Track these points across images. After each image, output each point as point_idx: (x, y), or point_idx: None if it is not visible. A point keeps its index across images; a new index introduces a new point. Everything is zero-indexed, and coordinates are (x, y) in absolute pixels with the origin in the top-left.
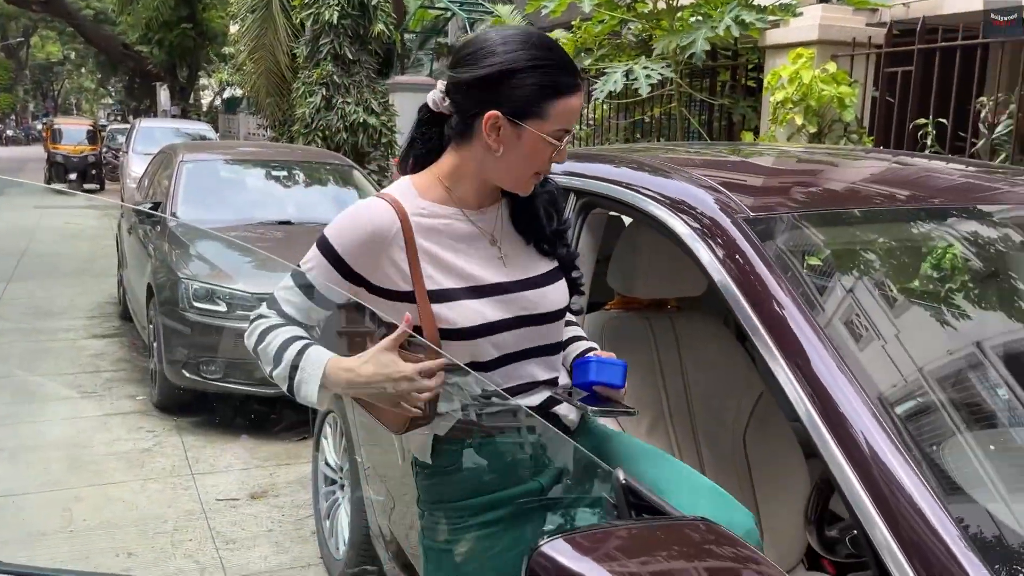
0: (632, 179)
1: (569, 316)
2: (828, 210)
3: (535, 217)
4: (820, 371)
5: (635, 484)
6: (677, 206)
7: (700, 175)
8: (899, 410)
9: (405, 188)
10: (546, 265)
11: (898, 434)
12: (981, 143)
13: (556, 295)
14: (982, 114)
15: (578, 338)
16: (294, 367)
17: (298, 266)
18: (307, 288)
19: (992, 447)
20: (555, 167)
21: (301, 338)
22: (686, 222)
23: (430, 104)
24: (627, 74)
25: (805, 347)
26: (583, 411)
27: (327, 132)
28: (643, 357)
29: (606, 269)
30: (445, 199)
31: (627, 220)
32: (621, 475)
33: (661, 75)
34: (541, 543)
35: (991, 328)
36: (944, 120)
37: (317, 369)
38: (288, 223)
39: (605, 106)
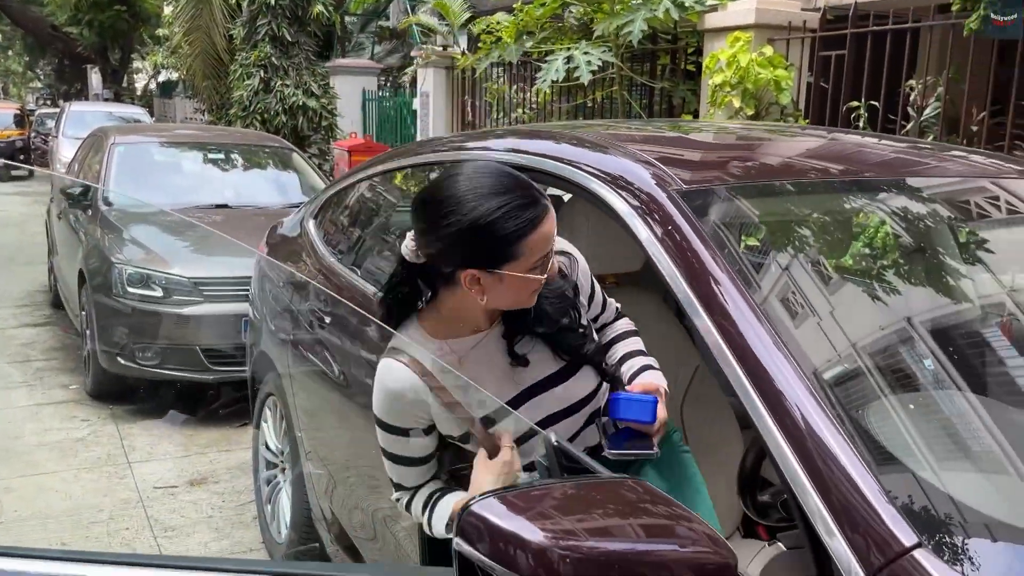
0: (572, 155)
1: (628, 325)
2: (764, 183)
3: (540, 319)
4: (755, 346)
5: (567, 447)
6: (615, 182)
7: (638, 150)
8: (832, 383)
9: (416, 335)
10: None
11: (830, 406)
12: (910, 125)
13: (578, 387)
14: (911, 97)
15: (631, 354)
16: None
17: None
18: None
19: (920, 417)
20: (498, 144)
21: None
22: (624, 198)
23: (406, 256)
24: (568, 60)
25: (740, 323)
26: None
27: (266, 115)
28: None
29: None
30: (457, 331)
31: (566, 198)
32: (553, 438)
33: (602, 60)
34: (472, 502)
35: (922, 301)
36: (876, 103)
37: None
38: (226, 207)
39: (548, 90)
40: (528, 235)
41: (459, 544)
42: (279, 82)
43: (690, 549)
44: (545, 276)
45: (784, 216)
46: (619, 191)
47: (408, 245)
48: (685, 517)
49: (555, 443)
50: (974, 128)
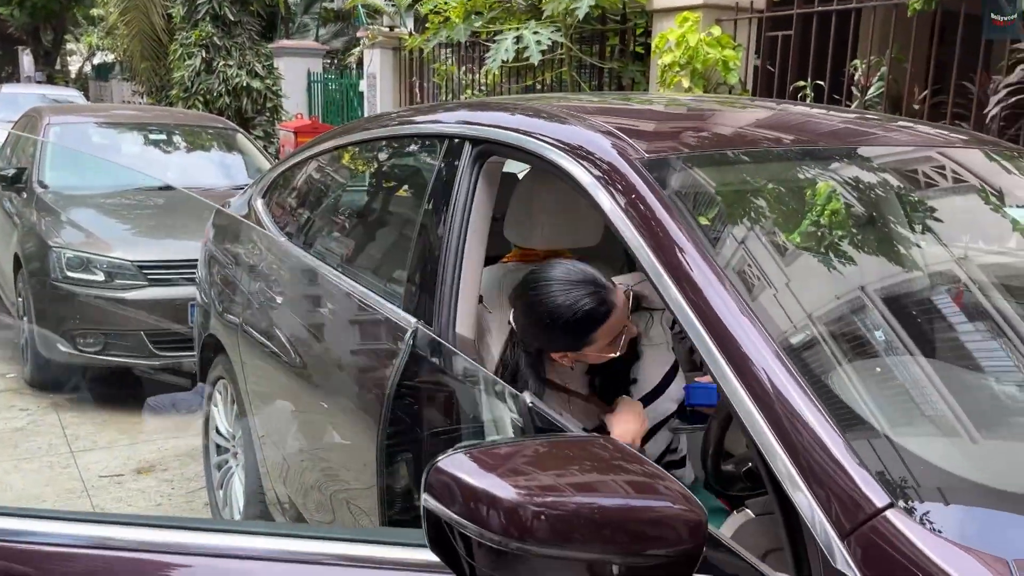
0: (530, 126)
1: None
2: (726, 152)
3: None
4: (722, 312)
5: (541, 407)
6: (575, 152)
7: (597, 121)
8: (798, 348)
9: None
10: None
11: (798, 370)
12: (854, 105)
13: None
14: (856, 77)
15: None
16: None
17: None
18: None
19: (884, 380)
20: (448, 117)
21: None
22: (586, 168)
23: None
24: (517, 40)
25: (706, 289)
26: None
27: (208, 96)
28: None
29: (502, 228)
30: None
31: (521, 175)
32: (528, 398)
33: (551, 40)
34: (439, 459)
35: (884, 268)
36: (821, 83)
37: None
38: (169, 188)
39: (497, 71)
40: (600, 326)
41: (427, 501)
42: (222, 62)
43: (664, 504)
44: (620, 350)
45: (747, 184)
46: (580, 161)
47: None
48: (659, 475)
49: (530, 404)
50: (916, 107)
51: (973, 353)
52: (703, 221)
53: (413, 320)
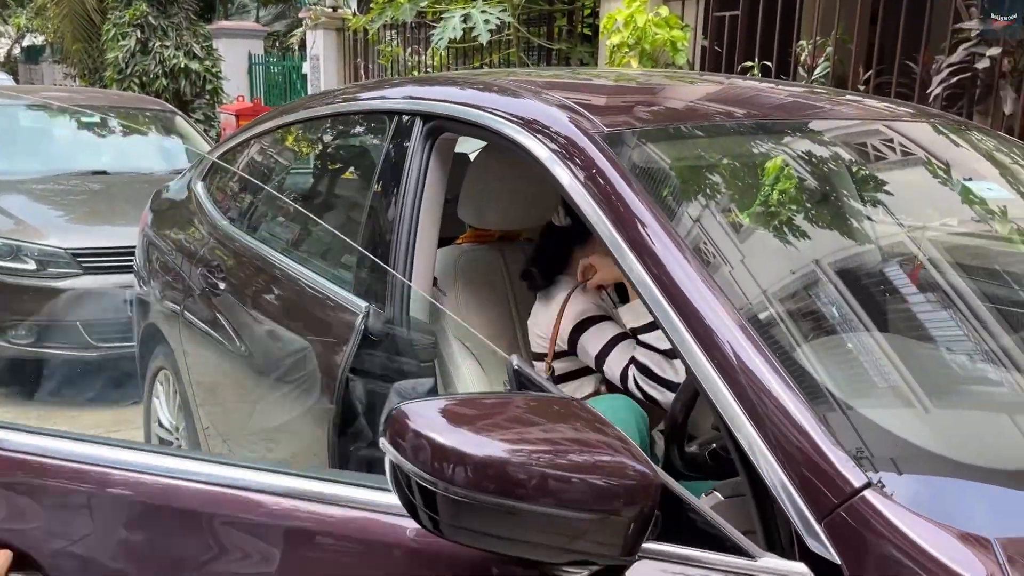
0: (481, 100)
1: None
2: (685, 125)
3: None
4: (686, 287)
5: (527, 371)
6: (532, 126)
7: (553, 95)
8: (764, 321)
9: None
10: None
11: (765, 344)
12: None
13: None
14: (802, 57)
15: None
16: None
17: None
18: None
19: (854, 354)
20: (396, 93)
21: None
22: (543, 143)
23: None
24: (465, 19)
25: (668, 263)
26: None
27: (144, 78)
28: (496, 290)
29: (455, 209)
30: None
31: (473, 155)
32: (515, 361)
33: (499, 20)
34: (403, 407)
35: (844, 239)
36: (769, 63)
37: None
38: (104, 173)
39: (443, 53)
40: None
41: (385, 447)
42: (158, 43)
43: (618, 462)
44: None
45: (707, 157)
46: (537, 135)
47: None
48: (619, 438)
49: (516, 367)
50: (861, 87)
51: (937, 325)
52: (664, 195)
53: (364, 304)
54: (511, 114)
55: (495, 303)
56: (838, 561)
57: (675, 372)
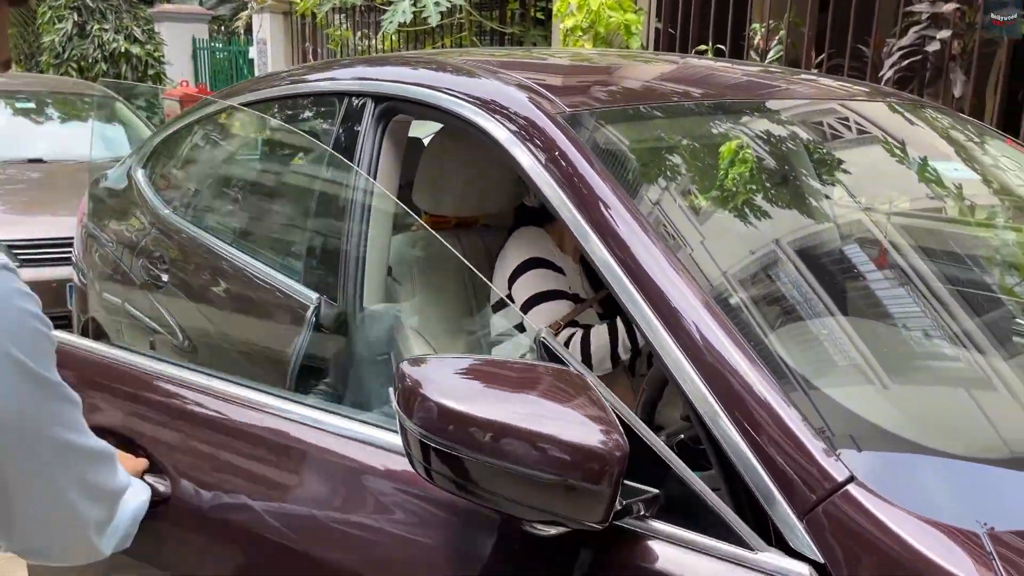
0: (435, 80)
1: None
2: (646, 104)
3: None
4: (651, 268)
5: (552, 343)
6: (488, 106)
7: (511, 75)
8: (732, 302)
9: None
10: None
11: (735, 327)
12: None
13: None
14: (755, 41)
15: None
16: None
17: None
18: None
19: (823, 333)
20: (346, 73)
21: None
22: (502, 124)
23: None
24: (415, 2)
25: (633, 246)
26: None
27: (83, 63)
28: (453, 278)
29: (409, 195)
30: None
31: (427, 140)
32: (543, 333)
33: (450, 3)
34: (407, 361)
35: (808, 218)
36: (722, 47)
37: None
38: (41, 161)
39: (394, 37)
40: None
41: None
42: (96, 26)
43: (603, 437)
44: None
45: (670, 138)
46: (495, 116)
47: None
48: (608, 413)
49: (543, 339)
50: (813, 71)
51: (901, 305)
52: (626, 175)
53: (315, 295)
54: (469, 95)
55: (452, 292)
56: (821, 559)
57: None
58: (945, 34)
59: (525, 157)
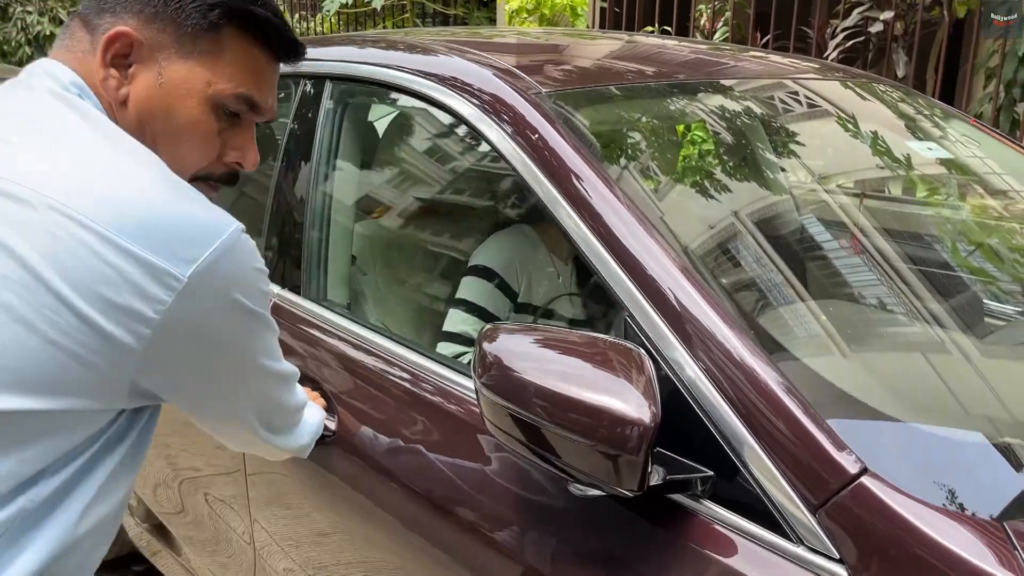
0: (388, 59)
1: None
2: (611, 81)
3: None
4: (626, 239)
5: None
6: (450, 83)
7: (473, 53)
8: (709, 273)
9: None
10: None
11: (717, 295)
12: None
13: None
14: (701, 22)
15: None
16: None
17: None
18: None
19: (801, 305)
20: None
21: None
22: (468, 101)
23: None
24: None
25: (607, 216)
26: None
27: (6, 47)
28: (418, 267)
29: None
30: None
31: (381, 128)
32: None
33: None
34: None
35: (782, 187)
36: (668, 28)
37: None
38: None
39: (334, 19)
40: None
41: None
42: (19, 8)
43: (620, 408)
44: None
45: (638, 111)
46: (461, 94)
47: None
48: (649, 388)
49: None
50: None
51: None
52: (598, 147)
53: (276, 289)
54: (432, 73)
55: (417, 281)
56: (837, 555)
57: None
58: (888, 15)
59: (494, 133)
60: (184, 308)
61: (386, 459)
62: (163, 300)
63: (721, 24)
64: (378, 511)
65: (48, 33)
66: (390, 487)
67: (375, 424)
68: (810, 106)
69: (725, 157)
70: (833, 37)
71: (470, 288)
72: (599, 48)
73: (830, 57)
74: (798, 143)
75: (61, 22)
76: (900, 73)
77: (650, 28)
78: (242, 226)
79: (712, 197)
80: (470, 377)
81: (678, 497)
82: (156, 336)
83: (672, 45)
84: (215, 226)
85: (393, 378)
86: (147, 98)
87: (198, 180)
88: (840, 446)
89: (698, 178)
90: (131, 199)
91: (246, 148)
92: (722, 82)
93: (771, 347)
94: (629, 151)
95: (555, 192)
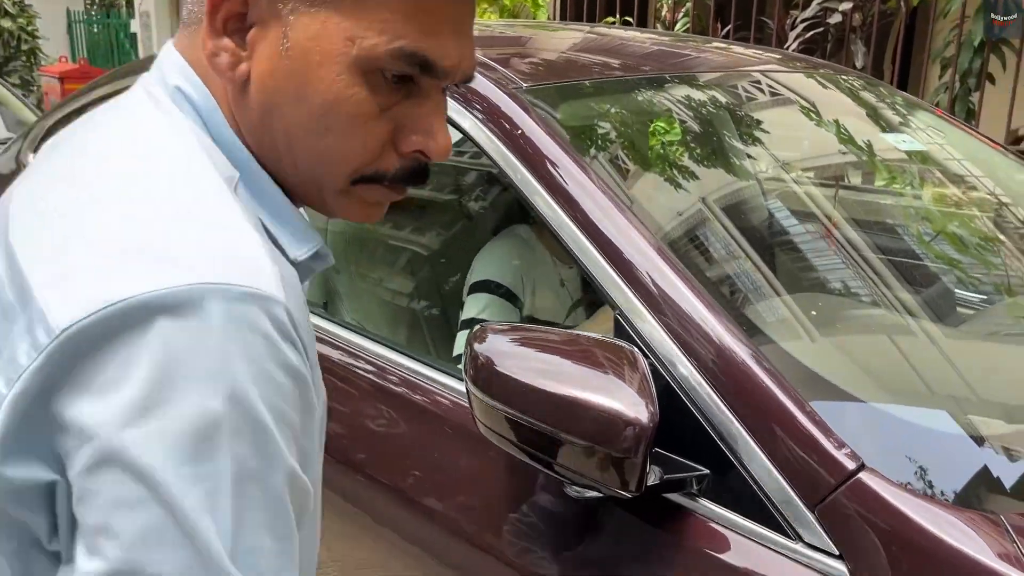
0: None
1: None
2: (582, 72)
3: None
4: (602, 224)
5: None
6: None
7: None
8: (687, 257)
9: None
10: None
11: (696, 278)
12: None
13: None
14: (661, 13)
15: None
16: None
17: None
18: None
19: (780, 289)
20: None
21: None
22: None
23: None
24: None
25: (583, 202)
26: None
27: None
28: (393, 263)
29: None
30: None
31: None
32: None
33: None
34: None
35: (755, 173)
36: (630, 19)
37: None
38: None
39: None
40: None
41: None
42: None
43: (615, 409)
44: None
45: (612, 102)
46: None
47: None
48: (644, 386)
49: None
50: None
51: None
52: (577, 138)
53: None
54: None
55: (392, 277)
56: (836, 551)
57: None
58: (847, 6)
59: (466, 120)
60: None
61: (376, 463)
62: None
63: (682, 15)
64: (375, 526)
65: None
66: (384, 492)
67: (356, 425)
68: (805, 101)
69: (726, 157)
70: (793, 28)
71: (476, 306)
72: (567, 41)
73: (791, 48)
74: (763, 129)
75: (7, 13)
76: (859, 63)
77: (611, 19)
78: None
79: (712, 197)
80: (461, 379)
81: (674, 496)
82: None
83: (640, 37)
84: None
85: (364, 374)
86: (270, 74)
87: (366, 182)
88: (838, 442)
89: (684, 164)
90: None
91: (431, 129)
92: (696, 74)
93: (761, 340)
94: (602, 143)
95: (533, 180)
